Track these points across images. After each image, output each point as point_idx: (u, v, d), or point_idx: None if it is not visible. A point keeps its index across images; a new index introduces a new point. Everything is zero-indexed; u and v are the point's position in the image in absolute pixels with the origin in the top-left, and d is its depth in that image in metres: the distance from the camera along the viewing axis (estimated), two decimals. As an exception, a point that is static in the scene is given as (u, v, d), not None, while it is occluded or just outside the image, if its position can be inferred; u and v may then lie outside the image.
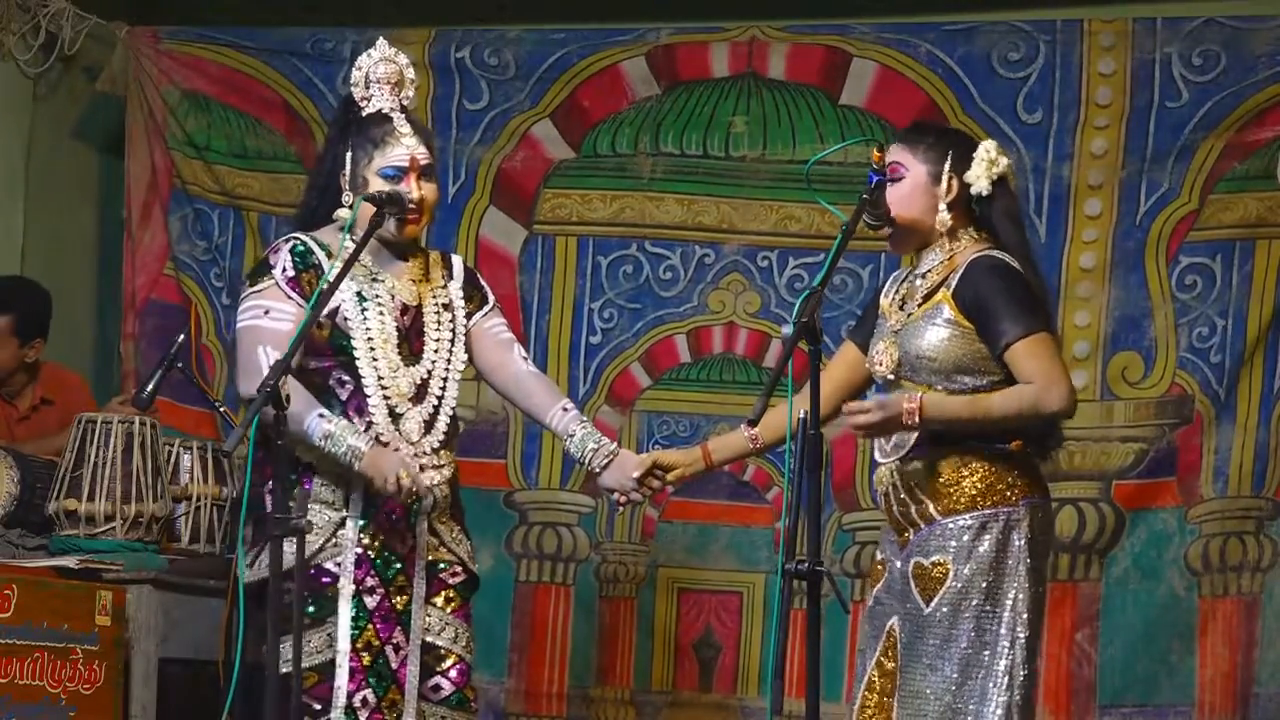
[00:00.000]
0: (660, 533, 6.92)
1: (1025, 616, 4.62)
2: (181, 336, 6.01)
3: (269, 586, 4.42)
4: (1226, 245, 6.59)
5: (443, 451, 5.02)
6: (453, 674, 5.04)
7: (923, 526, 4.67)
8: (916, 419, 4.61)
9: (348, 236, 4.89)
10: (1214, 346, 6.58)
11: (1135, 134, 6.63)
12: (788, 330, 4.33)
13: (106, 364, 7.57)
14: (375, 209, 4.87)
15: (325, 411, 4.81)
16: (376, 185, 4.92)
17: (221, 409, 6.37)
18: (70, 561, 5.46)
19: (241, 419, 4.68)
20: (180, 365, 5.94)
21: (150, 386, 5.79)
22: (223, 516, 5.97)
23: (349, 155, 4.95)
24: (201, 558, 5.90)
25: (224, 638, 5.48)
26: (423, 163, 4.98)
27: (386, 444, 4.89)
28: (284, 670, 4.62)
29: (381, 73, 5.02)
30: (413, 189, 4.94)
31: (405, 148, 4.95)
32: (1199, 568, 6.55)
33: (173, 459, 5.96)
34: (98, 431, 5.72)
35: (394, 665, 4.95)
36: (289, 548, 4.45)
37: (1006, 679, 4.59)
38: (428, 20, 7.24)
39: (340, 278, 4.76)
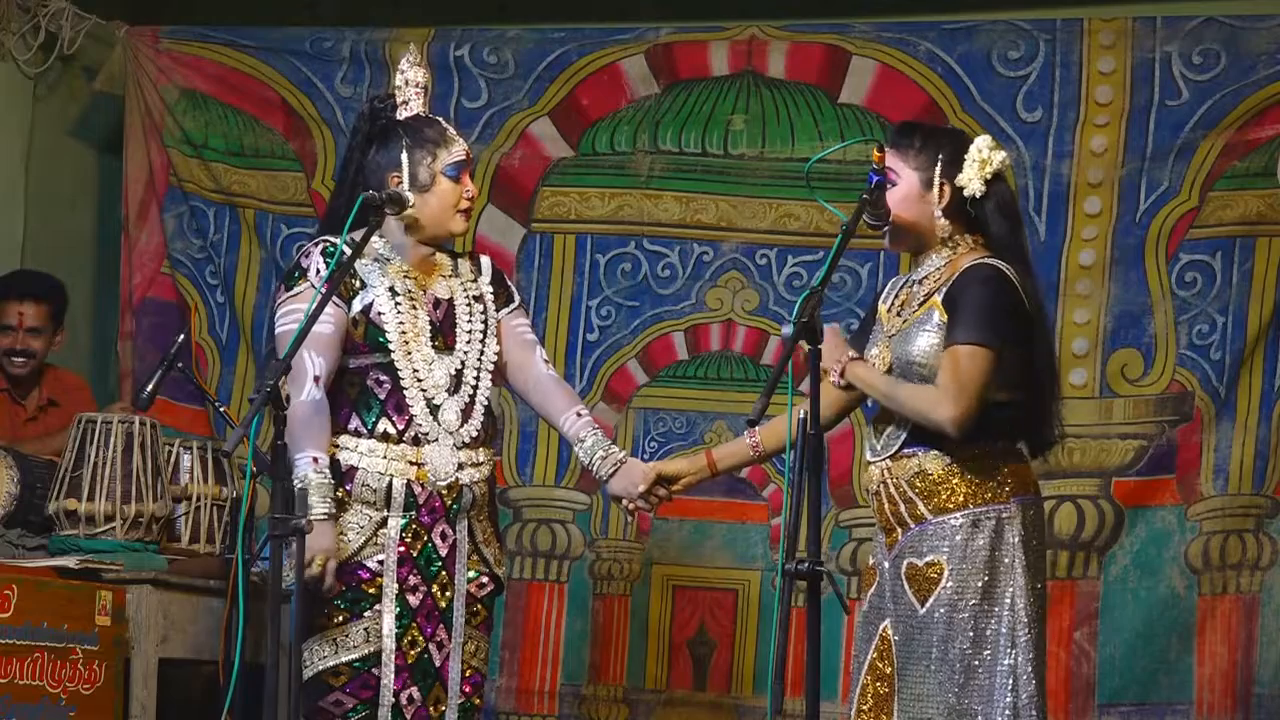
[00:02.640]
0: (655, 530, 6.92)
1: (1025, 616, 4.59)
2: (181, 336, 6.00)
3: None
4: (1226, 243, 6.59)
5: (481, 448, 5.09)
6: (466, 688, 5.09)
7: (913, 526, 4.66)
8: (839, 377, 4.69)
9: (345, 235, 4.92)
10: (1214, 344, 6.58)
11: (1135, 132, 6.63)
12: (787, 330, 4.34)
13: (104, 363, 7.57)
14: (375, 208, 4.91)
15: (320, 457, 4.85)
16: (442, 183, 5.03)
17: (221, 408, 6.36)
18: (70, 561, 5.44)
19: (241, 419, 4.70)
20: (180, 365, 5.94)
21: (151, 387, 5.79)
22: (223, 516, 5.96)
23: (404, 157, 5.03)
24: (201, 558, 5.89)
25: (224, 638, 5.47)
26: (473, 159, 5.19)
27: (421, 441, 4.99)
28: (315, 671, 4.81)
29: (418, 78, 5.14)
30: (470, 186, 5.09)
31: (461, 145, 5.10)
32: (1198, 566, 6.55)
33: (173, 459, 5.95)
34: (98, 431, 5.70)
35: (437, 663, 5.01)
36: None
37: (1011, 680, 4.56)
38: (427, 20, 7.24)
39: (341, 275, 4.82)
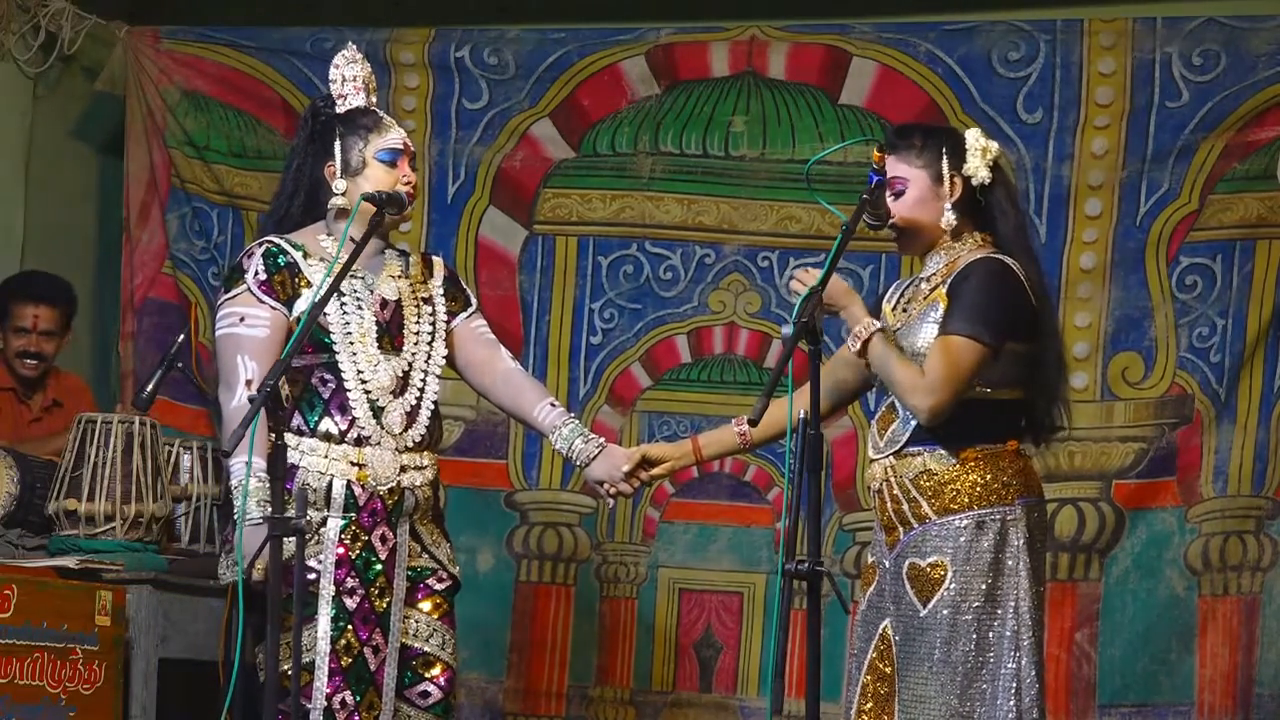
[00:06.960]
0: (661, 533, 6.92)
1: (1029, 619, 4.57)
2: (181, 336, 6.01)
3: (268, 585, 4.43)
4: (1227, 245, 6.59)
5: (425, 452, 5.05)
6: (441, 681, 5.04)
7: (916, 525, 4.64)
8: (859, 345, 4.61)
9: (346, 234, 4.91)
10: (1214, 346, 6.58)
11: (1135, 134, 6.63)
12: (788, 330, 4.33)
13: (105, 363, 7.58)
14: (375, 209, 4.91)
15: (254, 460, 4.73)
16: (374, 168, 5.00)
17: (221, 408, 6.37)
18: (70, 561, 5.45)
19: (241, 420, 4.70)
20: (180, 365, 5.94)
21: (150, 387, 5.79)
22: (222, 516, 5.96)
23: (337, 144, 5.00)
24: (201, 558, 5.89)
25: (224, 638, 5.47)
26: (411, 149, 5.09)
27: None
28: (283, 669, 4.69)
29: (355, 73, 5.11)
30: (408, 173, 5.03)
31: (398, 133, 5.05)
32: (1199, 567, 6.55)
33: (172, 459, 5.96)
34: (98, 431, 5.71)
35: (372, 667, 4.94)
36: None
37: (1015, 684, 4.54)
38: (427, 20, 7.25)
39: (343, 275, 4.77)
